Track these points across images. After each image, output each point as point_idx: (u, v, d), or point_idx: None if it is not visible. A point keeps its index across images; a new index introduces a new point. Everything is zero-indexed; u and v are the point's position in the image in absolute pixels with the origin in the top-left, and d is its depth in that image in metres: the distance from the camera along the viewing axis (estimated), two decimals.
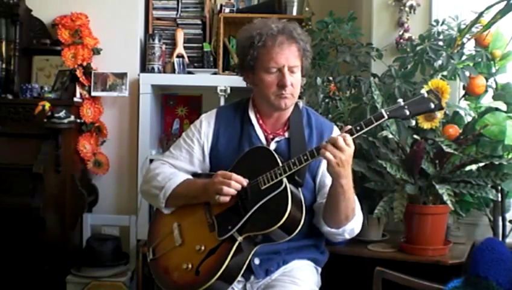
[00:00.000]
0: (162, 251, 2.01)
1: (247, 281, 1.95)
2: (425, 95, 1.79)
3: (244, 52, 1.96)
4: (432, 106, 1.77)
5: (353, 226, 1.93)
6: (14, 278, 2.90)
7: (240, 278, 1.90)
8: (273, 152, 1.89)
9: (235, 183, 1.83)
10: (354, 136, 1.78)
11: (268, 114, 2.02)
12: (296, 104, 2.05)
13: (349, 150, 1.75)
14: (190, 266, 1.89)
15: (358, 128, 1.77)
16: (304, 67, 1.98)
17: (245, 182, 1.85)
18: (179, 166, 2.05)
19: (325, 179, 1.97)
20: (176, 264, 1.93)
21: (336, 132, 2.05)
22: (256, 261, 1.93)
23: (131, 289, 3.14)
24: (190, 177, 2.03)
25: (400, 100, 1.79)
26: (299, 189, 1.88)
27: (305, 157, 1.80)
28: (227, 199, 1.84)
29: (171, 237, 1.99)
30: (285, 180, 1.81)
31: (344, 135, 1.76)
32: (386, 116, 1.76)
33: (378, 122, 1.77)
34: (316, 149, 1.80)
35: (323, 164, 1.94)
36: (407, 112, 1.77)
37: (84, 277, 3.04)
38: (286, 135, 2.01)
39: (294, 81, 1.93)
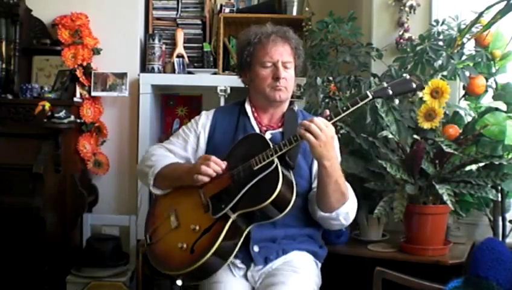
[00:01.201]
0: (159, 236, 2.07)
1: (248, 269, 2.00)
2: (408, 76, 1.92)
3: (242, 51, 2.12)
4: (414, 85, 1.90)
5: (347, 210, 1.99)
6: (14, 278, 2.90)
7: (240, 265, 1.98)
8: (265, 136, 2.00)
9: (214, 164, 1.93)
10: (341, 116, 1.88)
11: (264, 109, 2.14)
12: (291, 107, 2.18)
13: (327, 130, 1.83)
14: (185, 245, 1.95)
15: (344, 108, 1.88)
16: (297, 66, 2.13)
17: (223, 164, 1.95)
18: (173, 150, 2.19)
19: None
20: (172, 245, 2.00)
21: None
22: (256, 248, 1.99)
23: (131, 289, 3.14)
24: (179, 160, 2.15)
25: (384, 82, 1.92)
26: (290, 171, 1.95)
27: (295, 138, 1.87)
28: (206, 179, 1.94)
29: (167, 222, 2.06)
30: (276, 160, 1.89)
31: (321, 118, 1.85)
32: (371, 96, 1.88)
33: (363, 102, 1.87)
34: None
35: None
36: (390, 92, 1.89)
37: (84, 277, 3.04)
38: (280, 129, 2.12)
39: (288, 76, 2.07)
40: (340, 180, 1.93)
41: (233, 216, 1.89)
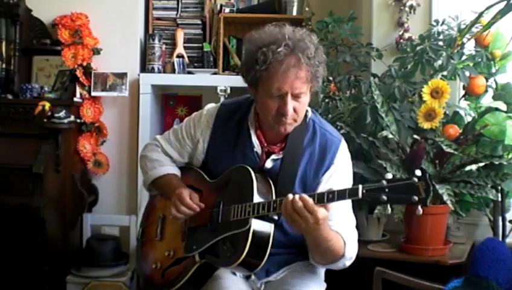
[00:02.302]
0: (147, 237, 2.10)
1: (249, 277, 1.94)
2: (416, 181, 1.50)
3: (247, 67, 1.80)
4: (415, 199, 1.50)
5: (342, 263, 1.82)
6: (14, 278, 2.90)
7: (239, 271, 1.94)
8: (255, 183, 1.79)
9: (185, 209, 1.86)
10: (322, 204, 1.62)
11: (269, 129, 1.89)
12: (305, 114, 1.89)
13: (310, 218, 1.60)
14: (159, 265, 1.97)
15: (330, 196, 1.60)
16: (314, 86, 1.80)
17: (198, 208, 1.87)
18: (169, 152, 2.08)
19: None
20: (150, 258, 2.03)
21: (343, 147, 1.92)
22: None
23: (131, 289, 3.14)
24: (172, 171, 2.05)
25: (387, 178, 1.55)
26: (272, 226, 1.78)
27: (274, 206, 1.70)
28: (179, 221, 1.94)
29: (155, 227, 2.07)
30: (251, 221, 1.74)
31: (306, 202, 1.60)
32: (360, 196, 1.55)
33: (351, 198, 1.59)
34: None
35: (322, 185, 1.85)
36: (385, 198, 1.53)
37: (84, 276, 3.04)
38: (281, 155, 1.88)
39: (299, 106, 1.77)
40: (329, 249, 1.72)
41: (200, 261, 1.86)
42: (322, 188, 1.82)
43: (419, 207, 1.52)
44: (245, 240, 1.73)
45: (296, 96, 1.75)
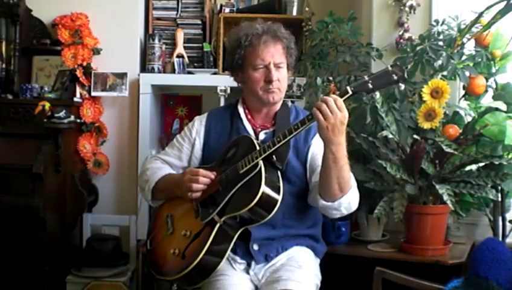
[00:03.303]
0: (157, 241, 2.14)
1: (249, 266, 2.02)
2: (389, 68, 1.81)
3: (233, 52, 2.10)
4: (395, 77, 1.80)
5: (349, 200, 1.93)
6: (14, 278, 2.90)
7: (240, 260, 2.02)
8: (253, 138, 2.00)
9: (203, 178, 1.98)
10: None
11: (257, 109, 2.14)
12: (285, 103, 2.17)
13: (338, 113, 1.77)
14: (177, 251, 2.00)
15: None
16: (290, 64, 2.11)
17: (212, 175, 1.99)
18: (168, 161, 2.23)
19: (316, 160, 2.02)
20: (166, 251, 2.05)
21: None
22: (255, 247, 2.01)
23: (131, 289, 3.14)
24: (173, 172, 2.19)
25: (365, 76, 1.83)
26: (278, 172, 1.93)
27: (278, 139, 1.87)
28: (199, 194, 1.99)
29: (164, 227, 2.12)
30: (260, 163, 1.88)
31: (335, 98, 1.79)
32: (351, 92, 1.81)
33: (344, 98, 1.81)
34: (289, 130, 1.86)
35: (312, 147, 2.07)
36: (371, 86, 1.80)
37: (84, 277, 3.04)
38: (272, 128, 2.11)
39: (281, 76, 2.05)
40: (345, 167, 1.87)
41: (220, 221, 1.92)
42: (312, 150, 2.07)
43: (401, 83, 1.85)
44: (259, 179, 1.85)
45: (277, 67, 2.04)
